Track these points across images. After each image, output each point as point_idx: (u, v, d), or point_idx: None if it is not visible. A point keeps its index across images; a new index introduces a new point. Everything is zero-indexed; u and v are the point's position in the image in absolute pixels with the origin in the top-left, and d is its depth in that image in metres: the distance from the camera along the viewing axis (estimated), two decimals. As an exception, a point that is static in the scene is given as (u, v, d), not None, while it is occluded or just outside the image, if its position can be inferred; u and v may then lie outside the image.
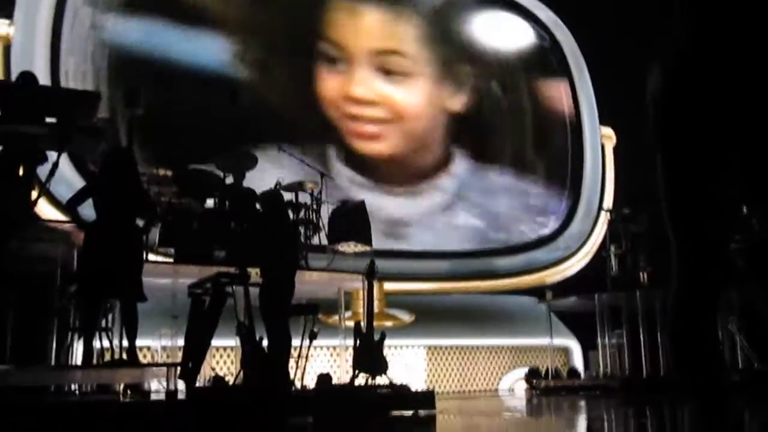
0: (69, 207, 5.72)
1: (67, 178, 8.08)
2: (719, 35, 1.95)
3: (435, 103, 12.52)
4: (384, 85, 11.95)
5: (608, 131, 14.00)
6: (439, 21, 12.85)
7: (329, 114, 11.54)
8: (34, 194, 5.57)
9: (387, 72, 12.01)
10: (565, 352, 11.79)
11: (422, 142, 12.36)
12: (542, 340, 11.04)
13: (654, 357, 9.26)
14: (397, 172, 12.02)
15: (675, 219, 2.05)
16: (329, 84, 11.62)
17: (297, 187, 8.10)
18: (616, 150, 14.07)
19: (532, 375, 10.61)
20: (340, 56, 11.77)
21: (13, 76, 8.30)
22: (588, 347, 11.26)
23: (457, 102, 12.74)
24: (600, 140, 13.94)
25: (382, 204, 11.37)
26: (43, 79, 8.40)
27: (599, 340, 10.29)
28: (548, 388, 10.24)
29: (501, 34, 13.55)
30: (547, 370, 10.58)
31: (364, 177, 11.63)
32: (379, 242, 8.71)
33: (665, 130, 2.05)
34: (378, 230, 9.27)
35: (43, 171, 5.49)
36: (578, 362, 11.66)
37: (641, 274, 10.21)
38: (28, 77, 5.93)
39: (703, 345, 2.03)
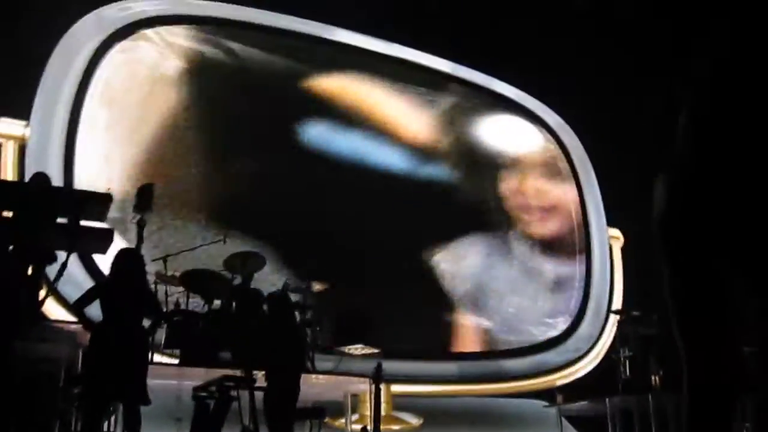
0: (76, 307, 5.72)
1: (76, 278, 8.08)
2: (722, 148, 1.97)
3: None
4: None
5: (615, 232, 14.00)
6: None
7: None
8: (42, 294, 5.57)
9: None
10: (577, 457, 11.45)
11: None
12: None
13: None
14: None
15: (684, 328, 2.03)
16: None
17: (305, 288, 8.10)
18: (624, 251, 14.02)
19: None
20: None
21: (27, 177, 8.39)
22: (600, 453, 10.93)
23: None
24: (608, 241, 13.93)
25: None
26: (57, 180, 8.50)
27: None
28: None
29: (507, 136, 13.74)
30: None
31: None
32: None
33: (671, 241, 2.05)
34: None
35: (51, 270, 5.51)
36: (589, 468, 11.31)
37: (652, 377, 10.02)
38: (41, 178, 6.02)
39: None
